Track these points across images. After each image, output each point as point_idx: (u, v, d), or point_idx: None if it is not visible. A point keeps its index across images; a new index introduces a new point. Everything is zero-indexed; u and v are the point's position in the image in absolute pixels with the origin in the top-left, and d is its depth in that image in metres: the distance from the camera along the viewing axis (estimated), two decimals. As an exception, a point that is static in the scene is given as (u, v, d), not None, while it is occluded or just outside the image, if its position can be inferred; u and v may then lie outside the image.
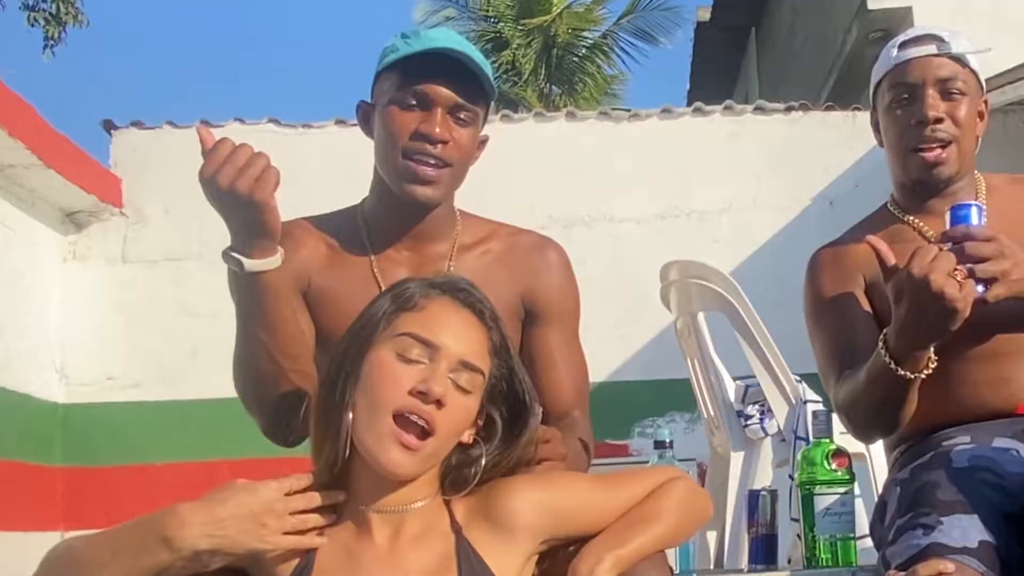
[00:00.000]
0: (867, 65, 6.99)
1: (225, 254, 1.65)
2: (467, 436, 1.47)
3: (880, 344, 1.75)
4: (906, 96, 1.98)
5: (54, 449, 6.61)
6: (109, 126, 7.04)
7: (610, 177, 6.85)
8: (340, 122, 6.96)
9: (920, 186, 2.01)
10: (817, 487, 1.83)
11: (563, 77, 14.46)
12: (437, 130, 1.73)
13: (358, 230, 1.87)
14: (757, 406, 2.98)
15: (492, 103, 1.88)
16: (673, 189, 6.87)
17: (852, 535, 1.84)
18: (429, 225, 1.84)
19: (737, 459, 2.99)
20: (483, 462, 1.46)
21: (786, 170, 6.82)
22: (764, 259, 6.64)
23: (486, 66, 1.79)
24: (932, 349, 1.74)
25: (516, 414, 1.48)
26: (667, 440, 1.82)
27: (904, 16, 6.74)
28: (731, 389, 3.06)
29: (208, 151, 1.61)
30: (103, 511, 6.51)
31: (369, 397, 1.43)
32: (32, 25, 12.59)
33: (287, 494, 1.42)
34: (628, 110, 7.25)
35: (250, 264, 1.63)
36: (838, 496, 1.83)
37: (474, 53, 1.78)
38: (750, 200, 6.89)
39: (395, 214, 1.83)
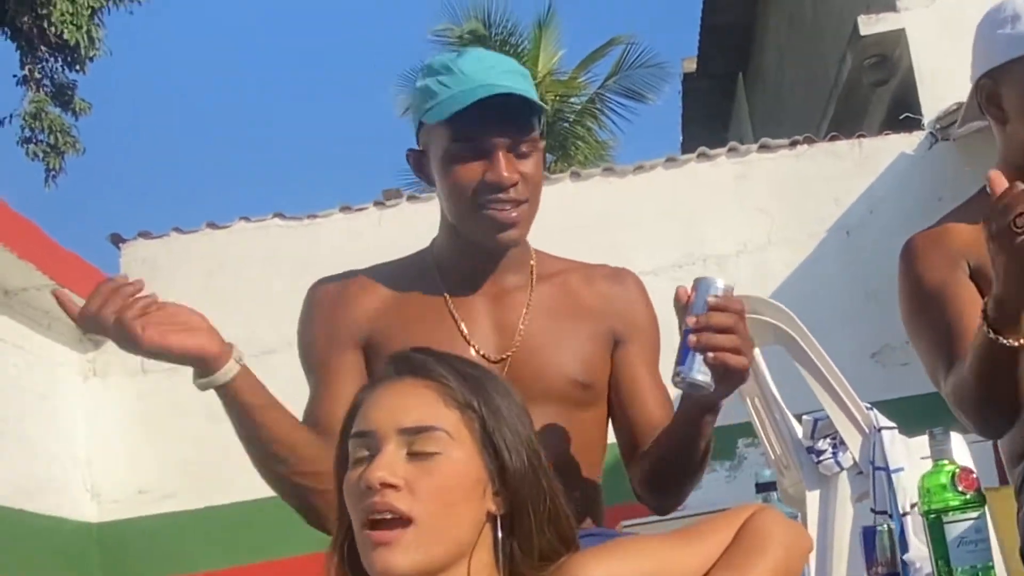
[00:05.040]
0: (865, 92, 6.88)
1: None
2: (491, 503, 1.24)
3: (981, 315, 1.56)
4: None
5: (92, 570, 6.39)
6: (117, 240, 6.92)
7: (622, 232, 6.69)
8: (345, 208, 6.84)
9: None
10: (948, 515, 1.62)
11: (556, 143, 14.38)
12: (505, 175, 1.64)
13: (429, 271, 1.77)
14: (828, 440, 2.78)
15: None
16: (686, 236, 6.72)
17: (991, 564, 1.63)
18: (506, 260, 1.76)
19: (813, 499, 2.79)
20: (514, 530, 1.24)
21: (798, 205, 6.68)
22: (785, 296, 6.42)
23: (528, 80, 1.71)
24: None
25: (501, 467, 1.25)
26: (770, 481, 1.62)
27: (897, 38, 6.64)
28: (797, 425, 2.87)
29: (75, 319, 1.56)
30: (149, 628, 6.30)
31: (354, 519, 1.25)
32: (32, 159, 12.63)
33: None
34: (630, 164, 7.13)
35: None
36: (971, 521, 1.62)
37: (517, 76, 1.69)
38: (765, 239, 6.73)
39: (473, 257, 1.75)
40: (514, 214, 1.66)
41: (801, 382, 2.90)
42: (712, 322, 1.47)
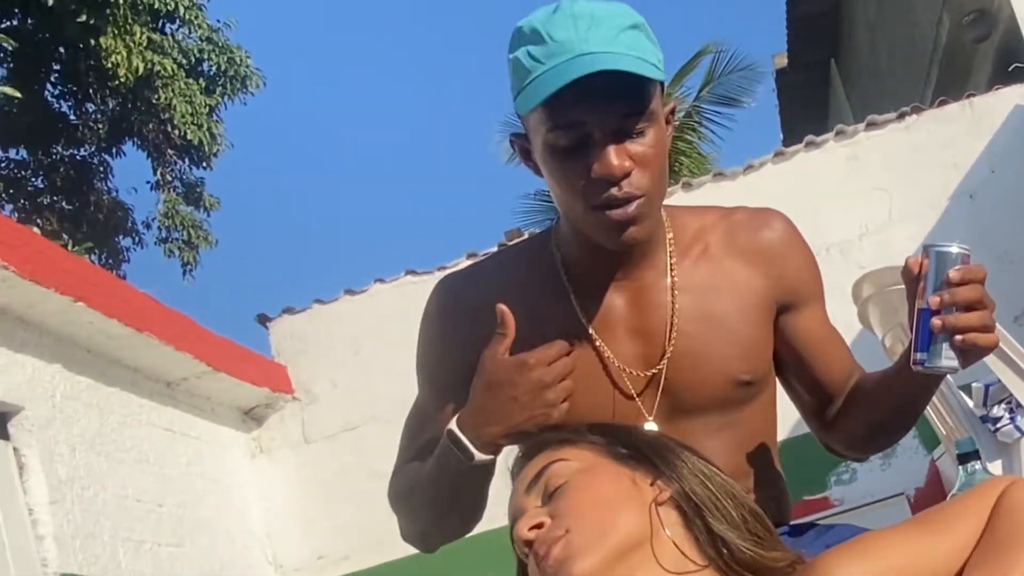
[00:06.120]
0: (967, 51, 6.58)
1: (453, 435, 1.37)
2: (649, 490, 1.17)
3: None
4: None
5: (286, 638, 6.43)
6: (264, 319, 7.02)
7: (742, 234, 6.50)
8: (471, 255, 6.80)
9: None
10: None
11: (660, 162, 14.15)
12: (615, 164, 1.32)
13: (551, 259, 1.48)
14: (1004, 405, 2.57)
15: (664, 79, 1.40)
16: (805, 227, 6.17)
17: None
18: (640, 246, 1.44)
19: (995, 470, 2.57)
20: (712, 520, 1.16)
21: (915, 177, 6.38)
22: (917, 271, 6.16)
23: (640, 33, 1.34)
24: None
25: (641, 456, 1.22)
26: (972, 450, 1.46)
27: (993, -9, 6.33)
28: (965, 397, 2.66)
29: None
30: None
31: None
32: (168, 256, 13.03)
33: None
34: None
35: (480, 458, 1.37)
36: None
37: (621, 36, 1.32)
38: (886, 217, 6.45)
39: (598, 254, 1.43)
40: (631, 209, 1.34)
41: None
42: (958, 299, 1.28)
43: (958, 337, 1.28)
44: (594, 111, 1.31)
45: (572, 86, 1.28)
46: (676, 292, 1.44)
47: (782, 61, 11.38)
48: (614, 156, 1.31)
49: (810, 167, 6.57)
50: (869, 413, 1.49)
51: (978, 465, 1.44)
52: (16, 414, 4.74)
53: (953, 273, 1.29)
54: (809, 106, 12.10)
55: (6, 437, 4.71)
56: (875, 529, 1.18)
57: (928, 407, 2.84)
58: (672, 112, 1.41)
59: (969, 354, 1.31)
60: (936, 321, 1.29)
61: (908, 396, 1.46)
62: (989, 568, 1.07)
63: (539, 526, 1.16)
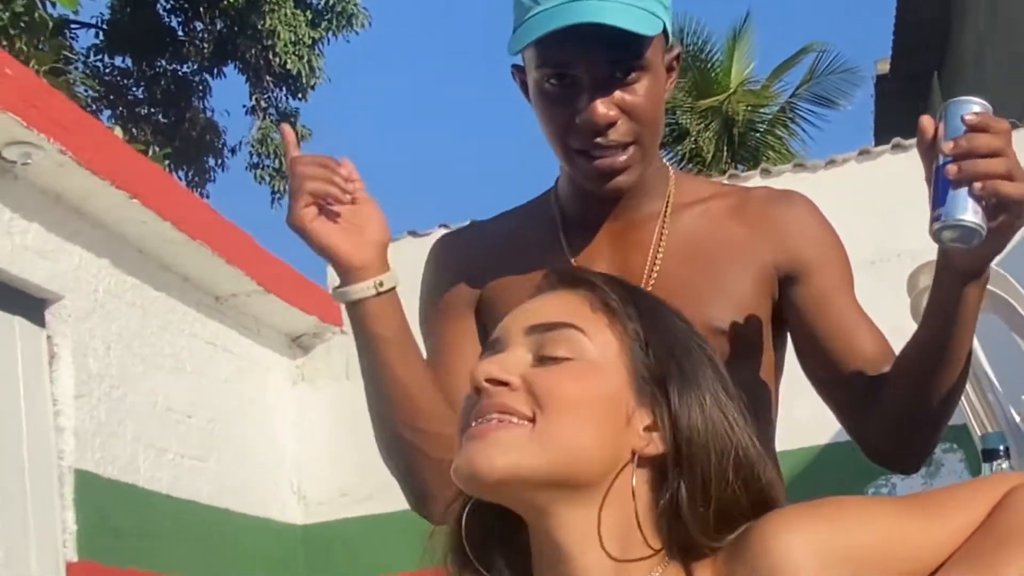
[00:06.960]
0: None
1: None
2: (637, 438, 0.90)
3: None
4: None
5: (297, 570, 6.31)
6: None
7: (814, 228, 6.18)
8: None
9: None
10: None
11: (747, 155, 13.79)
12: (600, 112, 1.26)
13: (550, 214, 1.42)
14: (1055, 422, 2.28)
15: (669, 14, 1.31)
16: (881, 231, 6.13)
17: None
18: (631, 194, 1.35)
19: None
20: (682, 479, 0.89)
21: (1003, 193, 5.98)
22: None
23: None
24: None
25: (663, 391, 0.92)
26: (1000, 447, 1.21)
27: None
28: (1014, 406, 2.38)
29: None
30: (351, 626, 6.16)
31: None
32: (259, 183, 13.01)
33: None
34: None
35: (335, 292, 1.26)
36: None
37: None
38: (969, 231, 6.06)
39: (591, 198, 1.37)
40: (621, 158, 1.29)
41: (1014, 362, 2.41)
42: (976, 145, 1.07)
43: (977, 185, 1.07)
44: (582, 57, 1.26)
45: (562, 30, 1.24)
46: (665, 234, 1.37)
47: (884, 67, 10.90)
48: (599, 105, 1.27)
49: (895, 170, 6.21)
50: (906, 375, 1.25)
51: (1005, 464, 1.18)
52: (55, 302, 4.65)
53: (970, 116, 1.08)
54: (906, 116, 11.59)
55: (41, 323, 4.62)
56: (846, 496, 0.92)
57: (972, 418, 2.55)
58: (677, 59, 1.35)
59: (995, 208, 1.08)
60: (952, 167, 1.07)
61: (942, 323, 1.21)
62: (979, 564, 0.84)
63: (503, 383, 0.90)
